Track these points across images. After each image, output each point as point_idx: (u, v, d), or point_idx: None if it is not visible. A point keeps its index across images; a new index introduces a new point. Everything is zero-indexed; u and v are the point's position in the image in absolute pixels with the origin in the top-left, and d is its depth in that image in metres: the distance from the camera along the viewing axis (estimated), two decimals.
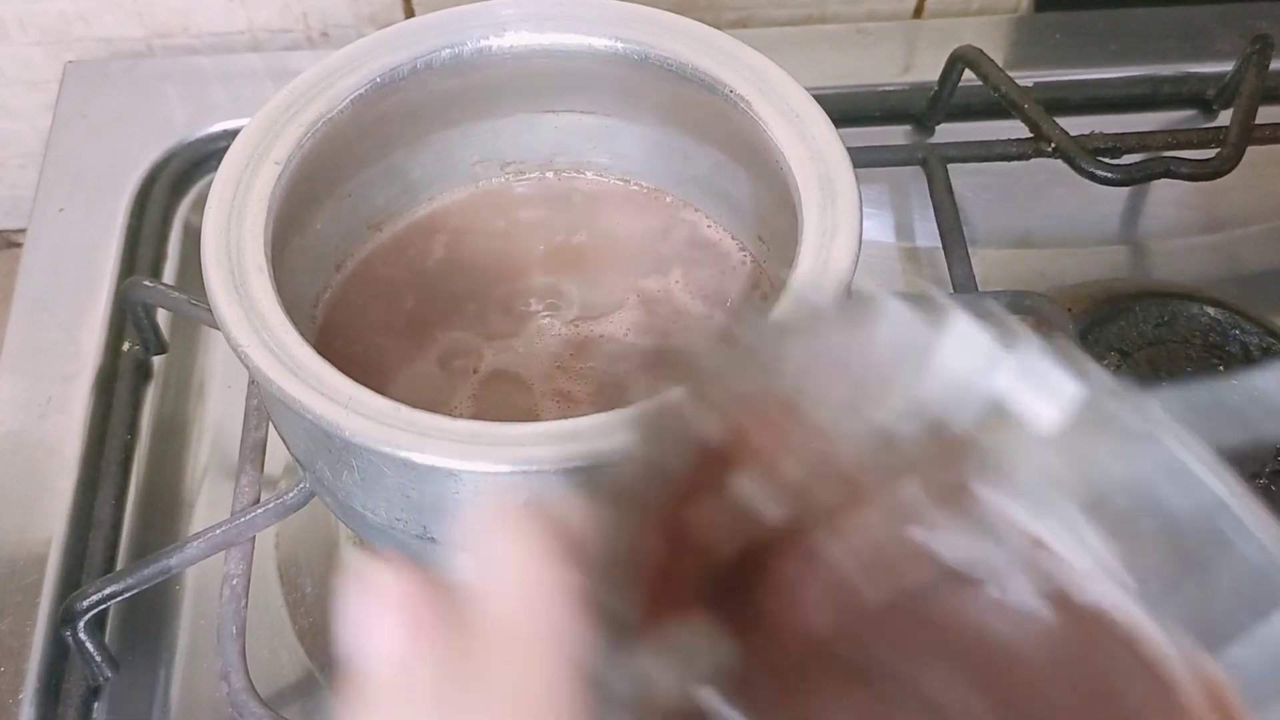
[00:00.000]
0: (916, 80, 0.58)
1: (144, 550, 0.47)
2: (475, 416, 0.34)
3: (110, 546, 0.46)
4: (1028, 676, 0.21)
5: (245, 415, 0.45)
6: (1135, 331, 0.50)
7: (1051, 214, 0.56)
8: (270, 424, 0.43)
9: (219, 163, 0.40)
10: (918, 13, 0.64)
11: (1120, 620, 0.20)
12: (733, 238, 0.47)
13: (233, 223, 0.38)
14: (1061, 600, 0.21)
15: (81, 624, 0.41)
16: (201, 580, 0.46)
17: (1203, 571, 0.19)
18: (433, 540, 0.36)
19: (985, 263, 0.52)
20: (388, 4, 0.62)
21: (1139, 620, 0.20)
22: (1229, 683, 0.19)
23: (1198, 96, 0.59)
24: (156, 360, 0.52)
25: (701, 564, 0.21)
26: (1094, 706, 0.20)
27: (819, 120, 0.41)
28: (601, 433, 0.32)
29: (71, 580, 0.45)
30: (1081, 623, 0.20)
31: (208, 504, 0.49)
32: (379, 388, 0.35)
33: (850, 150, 0.40)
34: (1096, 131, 0.53)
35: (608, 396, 0.41)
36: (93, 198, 0.55)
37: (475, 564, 0.18)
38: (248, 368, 0.36)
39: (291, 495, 0.41)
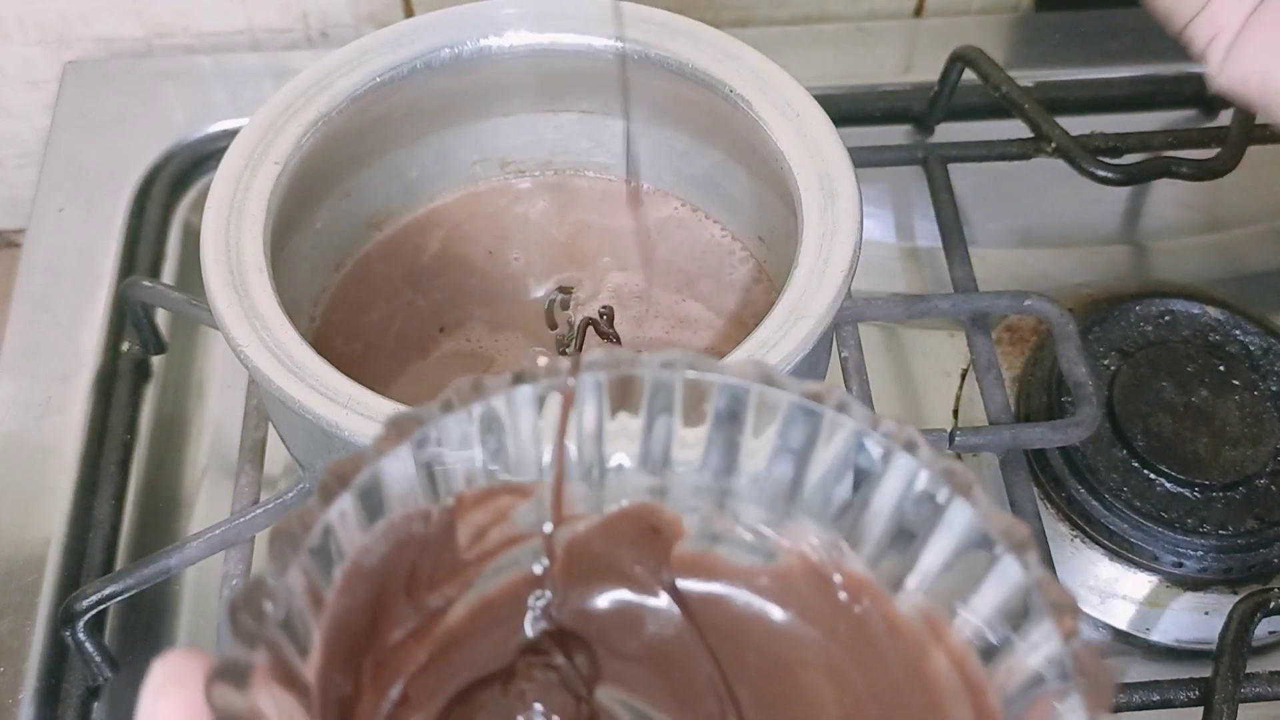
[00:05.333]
0: (917, 80, 0.58)
1: (143, 550, 0.46)
2: None
3: (109, 547, 0.46)
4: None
5: (245, 415, 0.45)
6: (1136, 331, 0.50)
7: (1052, 214, 0.56)
8: (270, 424, 0.43)
9: (218, 162, 0.40)
10: (918, 12, 0.64)
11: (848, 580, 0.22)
12: (733, 237, 0.47)
13: (232, 223, 0.38)
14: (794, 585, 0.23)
15: (81, 624, 0.41)
16: (201, 580, 0.46)
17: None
18: None
19: (985, 262, 0.52)
20: (388, 4, 0.62)
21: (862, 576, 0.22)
22: (944, 618, 0.20)
23: (1198, 96, 0.59)
24: (156, 360, 0.52)
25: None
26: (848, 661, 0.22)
27: (819, 120, 0.41)
28: None
29: (71, 580, 0.45)
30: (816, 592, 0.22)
31: (207, 504, 0.49)
32: (378, 387, 0.35)
33: (850, 150, 0.40)
34: (1097, 131, 0.53)
35: None
36: (92, 197, 0.55)
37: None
38: (247, 368, 0.36)
39: (291, 495, 0.41)
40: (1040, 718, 0.18)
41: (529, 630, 0.23)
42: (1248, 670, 0.40)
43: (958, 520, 0.20)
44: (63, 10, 0.61)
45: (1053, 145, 0.52)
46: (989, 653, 0.19)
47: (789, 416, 0.21)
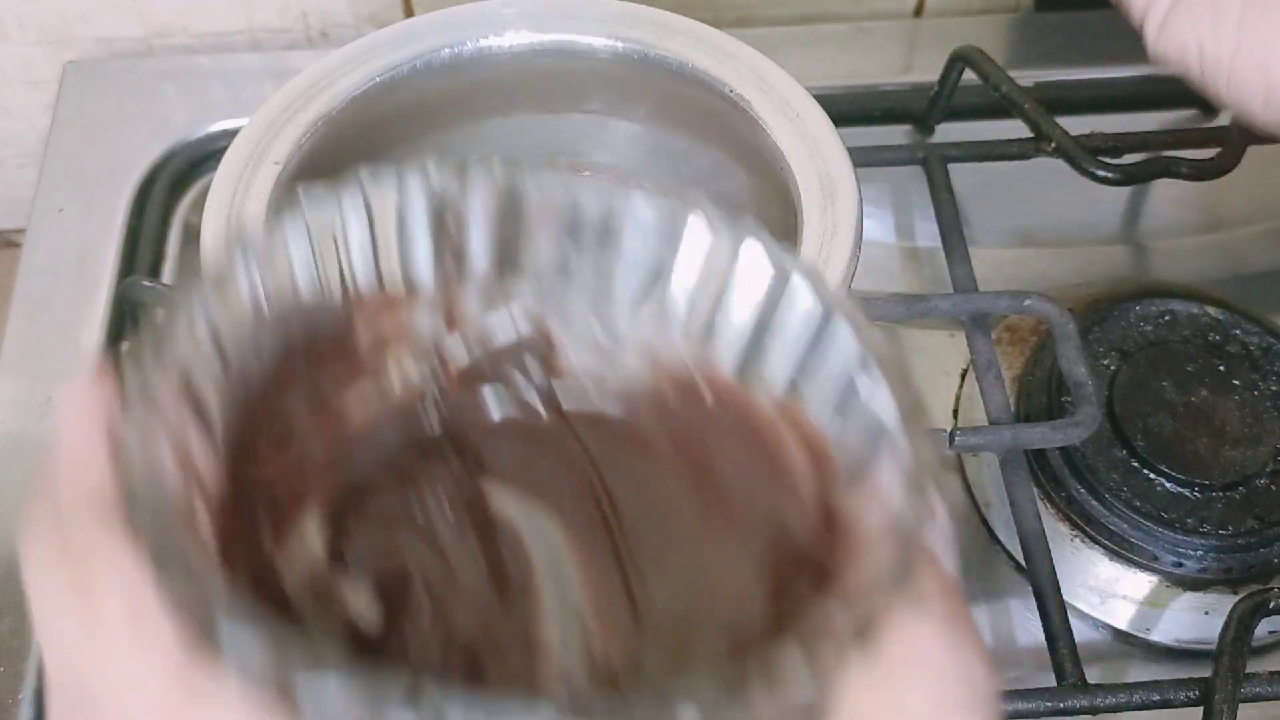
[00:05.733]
0: (917, 80, 0.58)
1: None
2: None
3: None
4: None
5: None
6: (1136, 331, 0.50)
7: (1052, 214, 0.56)
8: None
9: (219, 162, 0.40)
10: (918, 12, 0.64)
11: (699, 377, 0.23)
12: None
13: (232, 223, 0.38)
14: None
15: None
16: None
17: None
18: None
19: (985, 262, 0.52)
20: (388, 4, 0.62)
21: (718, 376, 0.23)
22: (797, 401, 0.22)
23: (1198, 96, 0.59)
24: None
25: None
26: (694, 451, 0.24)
27: (819, 120, 0.41)
28: None
29: None
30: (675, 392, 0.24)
31: None
32: None
33: (850, 150, 0.40)
34: (1097, 131, 0.53)
35: None
36: (92, 197, 0.55)
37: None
38: None
39: None
40: (875, 473, 0.20)
41: (423, 433, 0.24)
42: (1248, 670, 0.40)
43: (802, 306, 0.21)
44: (63, 10, 0.61)
45: (1053, 145, 0.52)
46: (832, 424, 0.21)
47: (655, 228, 0.22)
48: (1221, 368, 0.48)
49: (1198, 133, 0.56)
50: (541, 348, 0.24)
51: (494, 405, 0.25)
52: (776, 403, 0.22)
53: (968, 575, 0.47)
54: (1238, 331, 0.50)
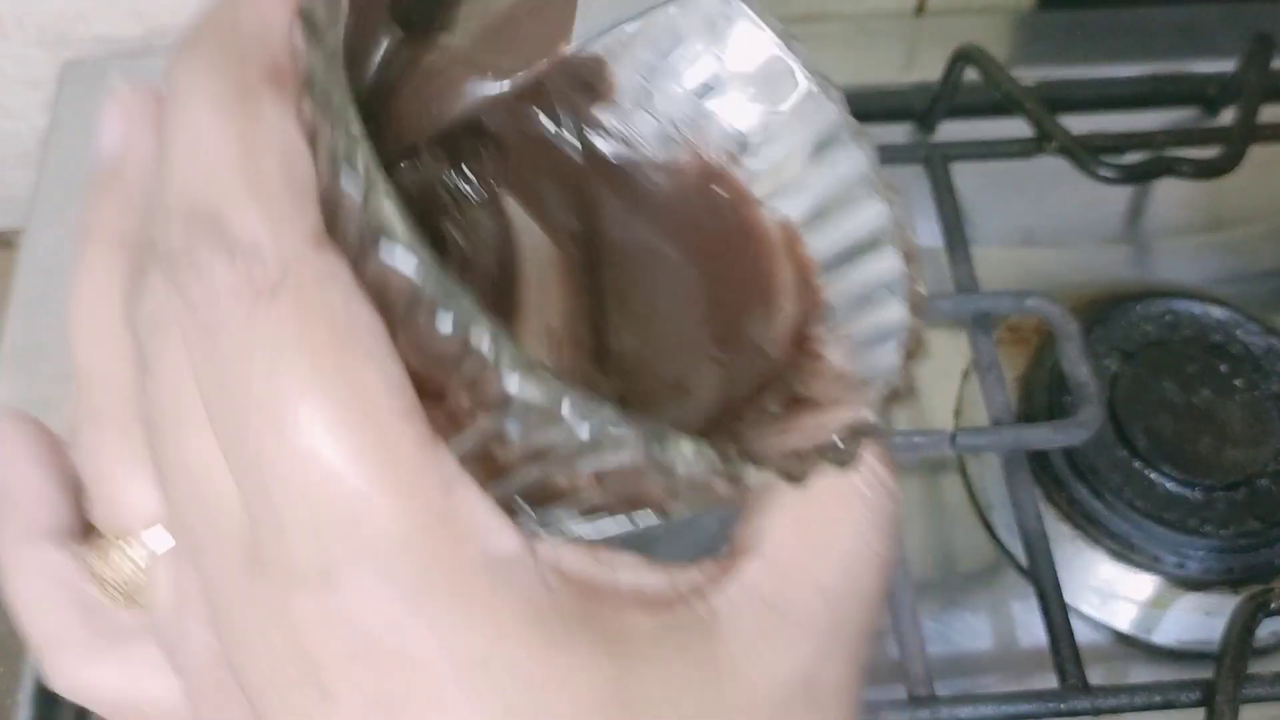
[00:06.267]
0: (918, 78, 0.58)
1: None
2: None
3: None
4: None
5: None
6: (1138, 331, 0.50)
7: (1054, 213, 0.56)
8: None
9: None
10: (920, 10, 0.64)
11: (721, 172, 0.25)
12: None
13: None
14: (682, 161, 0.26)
15: None
16: None
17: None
18: None
19: (987, 262, 0.52)
20: None
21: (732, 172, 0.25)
22: (798, 228, 0.24)
23: (1200, 95, 0.59)
24: None
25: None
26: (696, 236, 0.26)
27: None
28: None
29: None
30: (694, 176, 0.25)
31: None
32: None
33: None
34: (1099, 130, 0.53)
35: None
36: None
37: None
38: None
39: None
40: (860, 324, 0.21)
41: (475, 121, 0.26)
42: (1250, 671, 0.40)
43: (846, 169, 0.23)
44: (62, 10, 0.61)
45: (1055, 144, 0.52)
46: (830, 266, 0.23)
47: (742, 44, 0.25)
48: (1224, 368, 0.48)
49: (1200, 132, 0.55)
50: (596, 83, 0.26)
51: (537, 121, 0.26)
52: (782, 225, 0.24)
53: (970, 576, 0.47)
54: (1240, 331, 0.49)
